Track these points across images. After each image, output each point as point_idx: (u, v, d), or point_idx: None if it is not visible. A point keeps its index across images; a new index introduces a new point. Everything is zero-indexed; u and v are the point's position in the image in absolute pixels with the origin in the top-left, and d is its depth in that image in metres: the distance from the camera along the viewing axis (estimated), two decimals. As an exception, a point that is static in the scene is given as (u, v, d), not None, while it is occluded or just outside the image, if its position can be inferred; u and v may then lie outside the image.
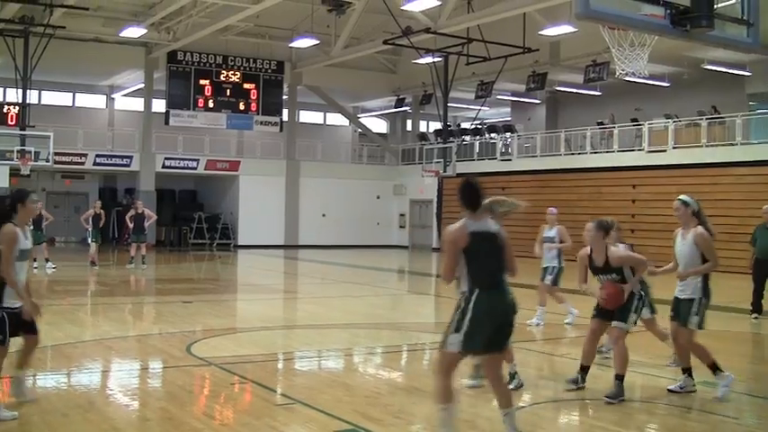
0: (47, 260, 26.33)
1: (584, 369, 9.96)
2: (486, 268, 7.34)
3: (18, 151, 35.11)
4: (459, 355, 7.39)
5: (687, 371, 9.90)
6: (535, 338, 14.11)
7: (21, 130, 36.04)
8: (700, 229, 9.75)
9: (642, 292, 9.94)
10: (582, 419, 9.21)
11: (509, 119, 48.19)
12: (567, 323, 15.31)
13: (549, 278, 15.40)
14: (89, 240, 28.70)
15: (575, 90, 40.72)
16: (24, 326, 9.14)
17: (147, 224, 28.38)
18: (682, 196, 10.06)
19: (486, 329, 7.23)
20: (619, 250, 9.97)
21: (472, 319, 7.20)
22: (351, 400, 9.37)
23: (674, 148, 33.06)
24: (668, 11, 9.42)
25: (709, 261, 9.65)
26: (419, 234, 46.54)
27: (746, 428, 9.01)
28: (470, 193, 7.45)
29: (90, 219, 28.06)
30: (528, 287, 14.26)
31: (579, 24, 28.57)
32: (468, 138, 44.85)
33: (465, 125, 49.82)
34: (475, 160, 42.41)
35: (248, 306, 20.29)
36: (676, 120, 33.82)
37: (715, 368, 9.75)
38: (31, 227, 25.51)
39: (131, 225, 28.18)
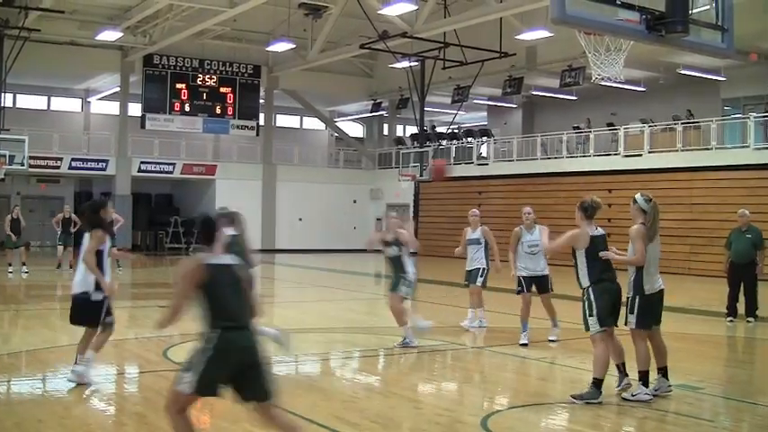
0: (23, 264, 26.15)
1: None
2: (227, 306, 6.72)
3: (-7, 155, 34.95)
4: (191, 397, 6.73)
5: (662, 371, 9.96)
6: (510, 342, 14.14)
7: (-5, 133, 35.88)
8: (635, 225, 9.84)
9: None
10: (558, 422, 9.23)
11: (485, 123, 48.30)
12: (469, 326, 15.43)
13: (480, 280, 15.56)
14: (58, 244, 28.45)
15: (551, 94, 40.85)
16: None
17: (116, 228, 28.01)
18: (636, 194, 10.03)
19: (224, 371, 6.63)
20: None
21: (209, 360, 6.59)
22: (327, 405, 9.38)
23: (649, 152, 33.21)
24: (644, 16, 9.49)
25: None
26: (396, 238, 46.52)
27: (722, 431, 9.06)
28: (207, 228, 6.83)
29: (60, 222, 27.83)
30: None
31: (555, 29, 28.62)
32: (444, 142, 44.89)
33: (441, 129, 49.85)
34: (451, 164, 42.45)
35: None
36: (652, 124, 33.99)
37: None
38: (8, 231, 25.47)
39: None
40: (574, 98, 40.13)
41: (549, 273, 14.13)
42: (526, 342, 13.49)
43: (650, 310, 9.73)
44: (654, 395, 9.70)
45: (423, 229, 42.01)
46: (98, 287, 10.29)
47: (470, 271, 15.64)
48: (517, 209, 35.51)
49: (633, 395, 9.59)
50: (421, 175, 39.96)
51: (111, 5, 37.01)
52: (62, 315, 16.30)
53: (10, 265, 25.23)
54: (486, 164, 40.72)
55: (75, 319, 10.63)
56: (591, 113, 38.89)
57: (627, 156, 33.93)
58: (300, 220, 45.91)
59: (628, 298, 9.76)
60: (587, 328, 9.63)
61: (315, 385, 10.73)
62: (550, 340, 13.93)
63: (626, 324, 9.74)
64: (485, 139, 42.86)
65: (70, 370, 10.45)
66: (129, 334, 14.79)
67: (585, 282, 9.70)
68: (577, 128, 37.82)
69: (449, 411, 9.23)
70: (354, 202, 47.63)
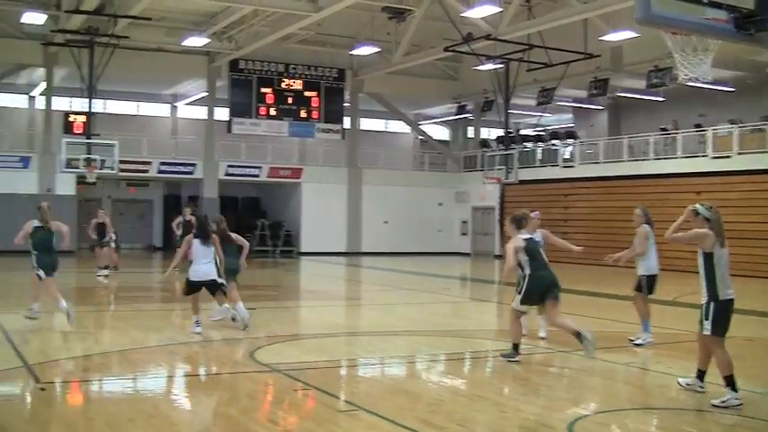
0: (106, 267, 26.42)
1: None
2: None
3: (84, 159, 35.59)
4: None
5: (702, 374, 9.95)
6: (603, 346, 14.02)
7: (87, 138, 36.48)
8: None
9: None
10: (644, 429, 9.13)
11: (571, 125, 47.88)
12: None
13: None
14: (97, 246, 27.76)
15: (637, 96, 40.37)
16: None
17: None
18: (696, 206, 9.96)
19: None
20: None
21: None
22: (413, 408, 9.36)
23: (738, 153, 32.65)
24: (732, 14, 9.31)
25: None
26: (481, 241, 46.39)
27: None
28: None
29: (95, 227, 27.30)
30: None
31: (641, 29, 28.34)
32: (530, 144, 44.66)
33: (527, 132, 49.60)
34: (537, 167, 42.20)
35: (311, 313, 20.34)
36: (741, 125, 33.41)
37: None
38: (95, 235, 25.78)
39: (178, 232, 27.13)
40: (661, 99, 39.61)
41: None
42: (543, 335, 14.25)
43: (726, 316, 9.63)
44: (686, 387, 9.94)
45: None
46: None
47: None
48: (603, 211, 35.36)
49: (723, 401, 9.42)
50: (506, 178, 39.80)
51: (197, 12, 37.48)
52: (150, 316, 16.55)
53: (106, 267, 25.65)
54: (572, 166, 40.36)
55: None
56: (678, 115, 38.37)
57: (715, 157, 33.38)
58: (386, 222, 45.98)
59: (702, 304, 9.68)
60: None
61: (400, 388, 10.73)
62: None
63: (701, 330, 9.64)
64: (570, 141, 42.51)
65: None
66: (216, 336, 14.95)
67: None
68: (664, 129, 37.32)
69: (535, 415, 9.17)
70: (440, 204, 47.58)
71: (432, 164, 50.47)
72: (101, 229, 26.51)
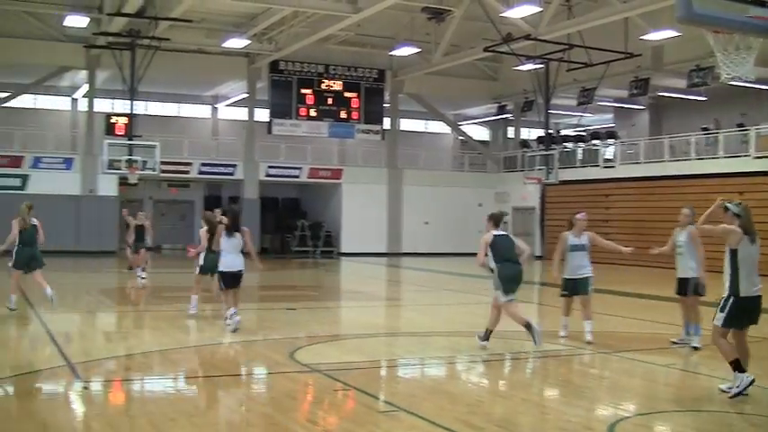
0: (143, 269, 26.41)
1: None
2: None
3: (126, 161, 35.83)
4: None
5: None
6: (645, 348, 13.93)
7: (128, 140, 36.73)
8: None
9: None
10: (685, 431, 9.07)
11: (612, 125, 47.62)
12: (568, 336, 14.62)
13: (591, 289, 14.27)
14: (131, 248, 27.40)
15: (678, 95, 40.12)
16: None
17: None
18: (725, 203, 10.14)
19: None
20: None
21: None
22: (453, 409, 9.35)
23: (782, 153, 32.38)
24: (776, 12, 9.22)
25: None
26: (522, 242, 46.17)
27: None
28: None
29: (134, 229, 27.35)
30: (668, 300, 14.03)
31: (682, 28, 28.14)
32: (570, 144, 44.48)
33: (567, 132, 49.40)
34: (577, 167, 42.03)
35: (351, 313, 20.36)
36: (785, 124, 33.12)
37: None
38: (133, 237, 25.92)
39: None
40: (702, 99, 39.32)
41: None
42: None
43: (743, 313, 9.78)
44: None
45: (549, 233, 41.76)
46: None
47: (577, 280, 14.28)
48: (645, 212, 35.12)
49: (729, 388, 9.65)
50: (547, 178, 39.67)
51: (237, 13, 37.67)
52: (191, 316, 16.64)
53: (143, 270, 25.78)
54: (613, 166, 40.12)
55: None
56: (720, 114, 38.04)
57: (758, 157, 33.07)
58: (426, 223, 45.95)
59: (722, 297, 9.82)
60: None
61: (440, 389, 10.72)
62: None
63: (713, 320, 9.82)
64: (611, 141, 42.29)
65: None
66: (257, 336, 15.01)
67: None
68: (706, 129, 37.03)
69: (575, 417, 9.13)
70: (480, 205, 47.35)
71: (472, 164, 50.39)
72: (140, 231, 26.64)
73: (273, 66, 42.32)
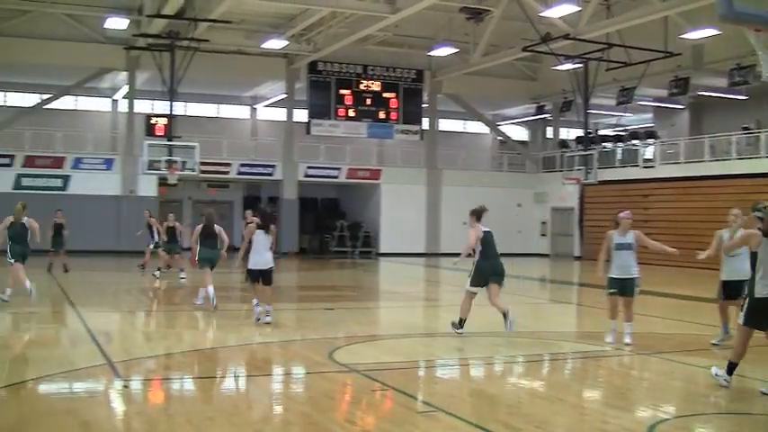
0: (181, 269, 26.50)
1: None
2: None
3: (166, 161, 36.04)
4: None
5: None
6: (685, 349, 13.84)
7: (168, 140, 36.93)
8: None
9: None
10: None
11: (651, 125, 47.30)
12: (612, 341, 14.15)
13: (637, 291, 13.84)
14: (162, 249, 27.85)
15: (719, 94, 39.74)
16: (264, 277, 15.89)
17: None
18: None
19: None
20: None
21: None
22: (492, 410, 9.35)
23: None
24: (818, 10, 9.14)
25: None
26: (561, 242, 46.06)
27: None
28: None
29: (166, 230, 27.50)
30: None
31: (722, 27, 27.92)
32: (609, 144, 44.24)
33: (606, 132, 49.15)
34: (616, 167, 41.80)
35: (390, 313, 20.38)
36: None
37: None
38: (165, 239, 26.32)
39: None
40: (743, 98, 38.94)
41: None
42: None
43: (758, 313, 9.97)
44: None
45: (588, 233, 41.59)
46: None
47: (625, 280, 13.73)
48: (684, 212, 34.85)
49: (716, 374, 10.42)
50: (586, 179, 39.50)
51: (276, 14, 37.78)
52: (230, 316, 16.71)
53: (182, 270, 25.93)
54: (653, 166, 39.85)
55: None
56: (761, 113, 37.69)
57: (800, 157, 32.77)
58: (464, 224, 45.51)
59: (744, 297, 10.40)
60: None
61: (479, 389, 10.72)
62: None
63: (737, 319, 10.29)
64: (650, 141, 42.02)
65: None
66: (295, 335, 15.06)
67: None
68: (747, 128, 36.71)
69: (615, 419, 9.08)
70: (518, 205, 47.31)
71: (510, 164, 50.22)
72: (171, 233, 26.79)
73: (312, 66, 42.41)
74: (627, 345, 13.43)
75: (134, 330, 16.30)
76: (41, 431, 8.17)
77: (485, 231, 14.81)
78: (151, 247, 28.68)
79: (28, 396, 9.93)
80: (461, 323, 14.51)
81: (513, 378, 11.95)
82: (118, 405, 9.68)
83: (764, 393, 9.79)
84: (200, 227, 18.69)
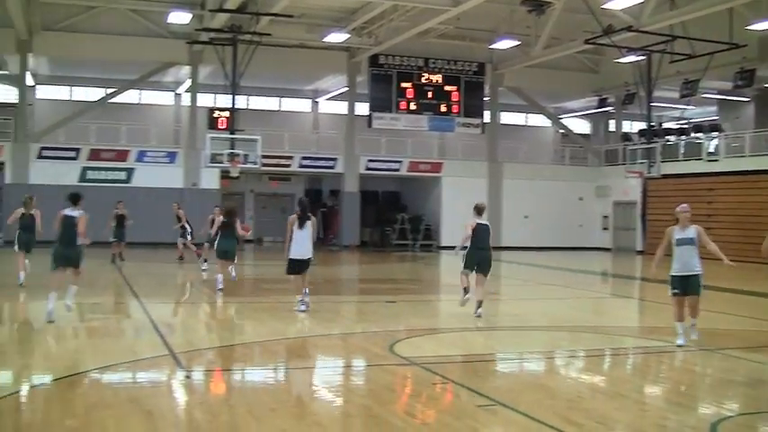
0: (205, 260, 26.43)
1: None
2: None
3: (228, 154, 36.33)
4: None
5: None
6: (749, 346, 13.69)
7: (230, 134, 37.21)
8: None
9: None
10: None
11: (716, 117, 46.73)
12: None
13: (701, 289, 13.18)
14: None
15: (786, 86, 39.19)
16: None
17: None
18: None
19: None
20: None
21: None
22: (552, 404, 9.32)
23: None
24: None
25: None
26: (622, 236, 45.68)
27: None
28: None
29: (211, 223, 27.79)
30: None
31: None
32: (672, 138, 43.79)
33: (670, 125, 48.64)
34: (680, 161, 41.35)
35: (450, 307, 20.30)
36: None
37: None
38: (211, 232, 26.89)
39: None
40: (812, 90, 38.37)
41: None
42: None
43: None
44: None
45: (650, 228, 41.22)
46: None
47: (688, 277, 13.05)
48: (750, 206, 34.43)
49: None
50: (648, 172, 39.12)
51: (337, 8, 37.86)
52: (290, 308, 16.79)
53: (206, 261, 26.21)
54: (717, 160, 39.36)
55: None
56: (830, 105, 37.11)
57: None
58: (526, 217, 45.70)
59: None
60: None
61: (539, 383, 10.68)
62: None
63: None
64: (715, 134, 41.50)
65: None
66: (356, 328, 15.12)
67: None
68: (815, 121, 36.16)
69: (676, 415, 9.02)
70: (580, 199, 47.00)
71: (572, 158, 49.90)
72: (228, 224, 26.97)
73: (373, 60, 42.44)
74: (692, 340, 13.17)
75: (196, 321, 16.47)
76: (106, 420, 8.29)
77: (479, 224, 16.31)
78: (189, 239, 29.57)
79: (93, 385, 10.10)
80: (465, 291, 16.19)
81: (573, 372, 11.91)
82: (180, 395, 9.81)
83: None
84: (220, 218, 20.16)
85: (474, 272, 16.26)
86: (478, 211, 16.49)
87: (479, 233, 16.17)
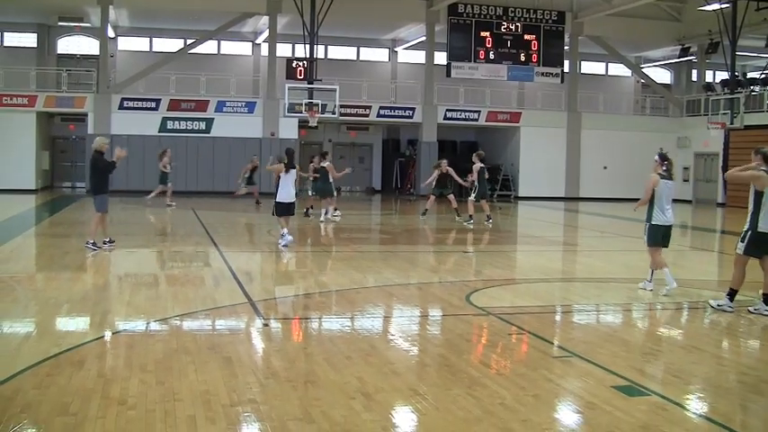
0: (335, 209, 27.45)
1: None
2: None
3: (306, 104, 36.48)
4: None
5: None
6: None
7: (308, 83, 37.30)
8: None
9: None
10: None
11: (803, 67, 45.74)
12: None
13: None
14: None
15: None
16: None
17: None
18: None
19: None
20: None
21: None
22: (628, 356, 9.29)
23: None
24: None
25: None
26: (703, 188, 45.06)
27: None
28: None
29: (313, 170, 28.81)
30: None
31: None
32: (757, 88, 42.91)
33: (754, 75, 47.67)
34: (764, 111, 40.55)
35: (527, 257, 20.32)
36: None
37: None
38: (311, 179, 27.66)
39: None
40: None
41: None
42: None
43: (759, 244, 11.86)
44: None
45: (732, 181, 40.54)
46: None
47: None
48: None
49: (719, 304, 12.17)
50: (731, 123, 38.46)
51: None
52: (369, 257, 16.88)
53: (327, 212, 26.66)
54: (802, 110, 38.56)
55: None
56: None
57: None
58: (605, 168, 45.29)
59: (743, 230, 12.10)
60: None
61: (616, 336, 10.65)
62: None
63: (735, 249, 12.18)
64: (801, 84, 40.63)
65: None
66: (433, 278, 15.18)
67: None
68: None
69: (754, 371, 8.94)
70: (661, 150, 46.35)
71: (653, 108, 49.19)
72: (323, 173, 27.58)
73: (452, 9, 42.13)
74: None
75: (275, 270, 16.65)
76: (185, 365, 8.45)
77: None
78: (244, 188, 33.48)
79: (173, 331, 10.29)
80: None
81: (650, 325, 11.85)
82: (258, 342, 9.96)
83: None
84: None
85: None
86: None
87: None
